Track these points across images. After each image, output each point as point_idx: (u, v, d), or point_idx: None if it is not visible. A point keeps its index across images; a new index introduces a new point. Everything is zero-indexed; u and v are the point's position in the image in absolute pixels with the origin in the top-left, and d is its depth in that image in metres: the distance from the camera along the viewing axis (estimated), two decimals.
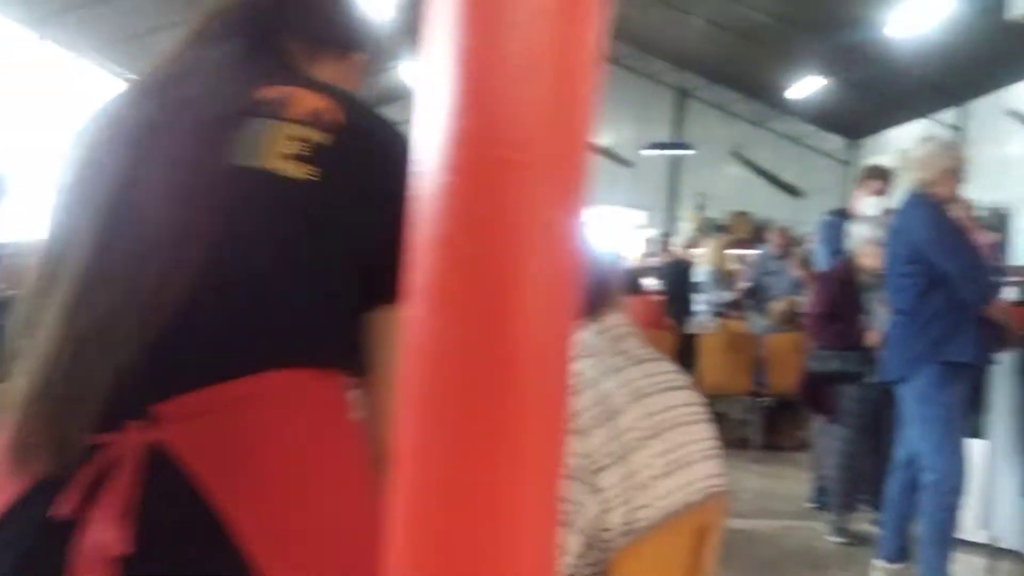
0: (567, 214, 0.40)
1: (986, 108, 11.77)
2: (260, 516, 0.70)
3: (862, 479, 4.21)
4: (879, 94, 12.81)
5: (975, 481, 3.84)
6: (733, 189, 15.58)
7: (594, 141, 0.44)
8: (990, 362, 3.38)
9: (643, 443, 1.28)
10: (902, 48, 10.65)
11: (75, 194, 0.81)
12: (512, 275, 0.37)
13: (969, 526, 3.94)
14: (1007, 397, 3.55)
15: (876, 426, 4.04)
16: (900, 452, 3.46)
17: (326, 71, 0.96)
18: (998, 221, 10.92)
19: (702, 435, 1.41)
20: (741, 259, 8.69)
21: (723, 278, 7.59)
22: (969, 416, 4.18)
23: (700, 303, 7.52)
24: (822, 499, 4.46)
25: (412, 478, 0.38)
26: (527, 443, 0.38)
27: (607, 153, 15.49)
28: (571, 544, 1.21)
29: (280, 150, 0.79)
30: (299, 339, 0.77)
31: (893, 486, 3.51)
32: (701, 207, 15.13)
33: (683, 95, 15.83)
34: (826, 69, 12.54)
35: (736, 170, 15.64)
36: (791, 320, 5.68)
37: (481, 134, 0.37)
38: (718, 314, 7.26)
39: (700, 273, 7.50)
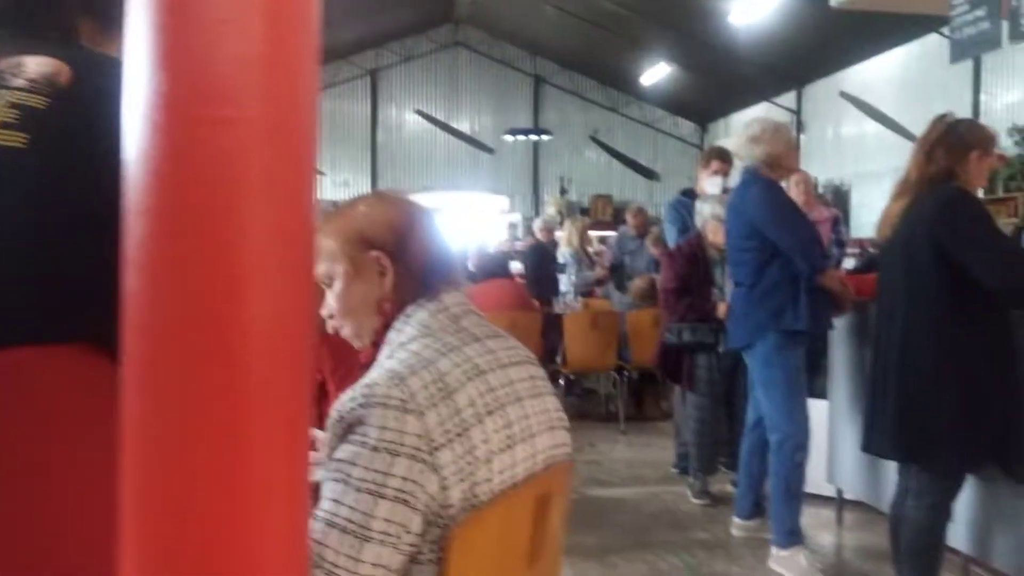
0: (293, 173, 0.38)
1: (822, 91, 12.53)
2: None
3: (720, 443, 4.42)
4: (725, 80, 13.41)
5: (820, 439, 4.09)
6: (593, 173, 15.96)
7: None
8: (826, 329, 3.57)
9: (481, 419, 1.28)
10: (745, 36, 11.17)
11: None
12: (234, 240, 0.35)
13: (817, 481, 4.20)
14: (845, 359, 3.77)
15: (729, 393, 4.25)
16: (750, 415, 3.64)
17: (115, 47, 0.92)
18: (836, 196, 11.68)
19: (545, 407, 1.42)
20: (603, 240, 8.91)
21: (584, 259, 7.76)
22: (811, 378, 4.46)
23: (564, 284, 7.65)
24: (684, 464, 4.65)
25: (138, 460, 0.36)
26: (257, 419, 0.36)
27: (468, 139, 15.55)
28: (411, 523, 1.21)
29: None
30: (46, 312, 0.74)
31: (745, 447, 3.69)
32: (563, 191, 15.41)
33: (540, 82, 16.05)
34: (675, 57, 13.01)
35: (594, 154, 16.02)
36: (650, 296, 5.87)
37: (183, 93, 0.34)
38: (582, 294, 7.42)
39: (562, 255, 7.63)
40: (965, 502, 2.79)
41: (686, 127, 16.37)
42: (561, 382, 6.19)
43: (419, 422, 1.21)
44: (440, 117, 15.55)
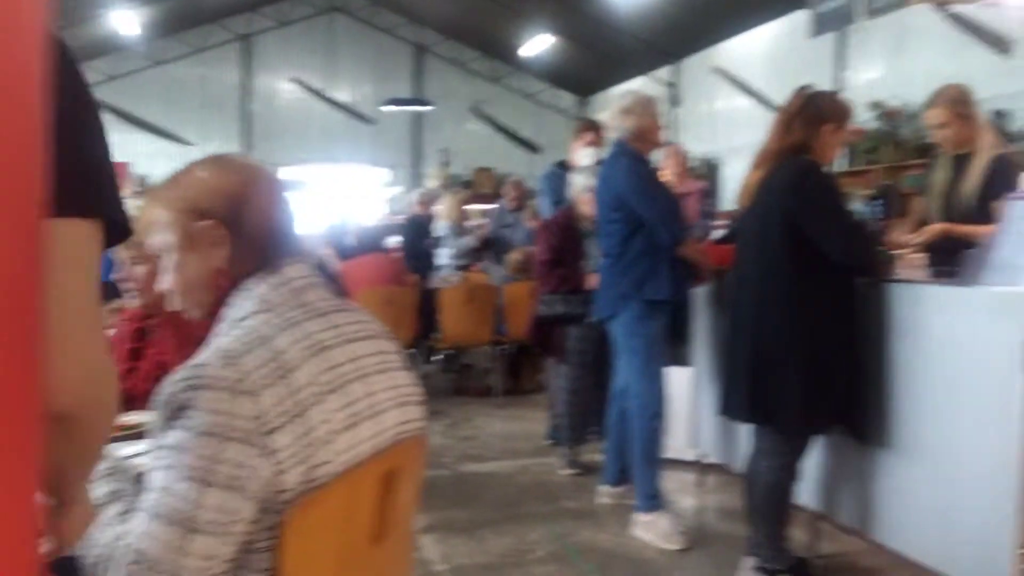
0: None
1: (697, 65, 12.84)
2: None
3: (590, 413, 4.50)
4: (605, 52, 13.56)
5: (683, 405, 4.22)
6: (475, 145, 15.89)
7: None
8: (686, 298, 3.67)
9: (322, 398, 1.23)
10: (624, 8, 11.31)
11: None
12: None
13: (680, 446, 4.34)
14: (706, 328, 3.89)
15: (600, 363, 4.32)
16: (615, 384, 3.72)
17: None
18: (709, 170, 12.05)
19: (395, 383, 1.39)
20: (483, 213, 8.89)
21: (462, 232, 7.73)
22: (674, 347, 4.59)
23: (442, 258, 7.61)
24: (556, 435, 4.72)
25: None
26: None
27: (347, 109, 15.19)
28: (243, 510, 1.16)
29: None
30: None
31: (611, 416, 3.77)
32: (445, 163, 15.31)
33: (421, 51, 15.82)
34: (557, 27, 13.06)
35: (477, 126, 15.97)
36: (526, 269, 5.90)
37: None
38: (459, 267, 7.39)
39: (440, 228, 7.57)
40: (813, 461, 2.93)
41: (567, 99, 16.51)
42: (439, 357, 6.17)
43: (253, 404, 1.16)
44: (317, 86, 15.11)
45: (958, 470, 2.39)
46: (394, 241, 7.98)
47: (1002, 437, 2.22)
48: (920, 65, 8.77)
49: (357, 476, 1.26)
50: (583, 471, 4.33)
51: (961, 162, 3.31)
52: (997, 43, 7.77)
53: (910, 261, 2.94)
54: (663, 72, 13.51)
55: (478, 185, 14.60)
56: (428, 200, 7.98)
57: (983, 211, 3.12)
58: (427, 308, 6.16)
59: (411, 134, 15.89)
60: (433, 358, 6.70)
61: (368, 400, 1.30)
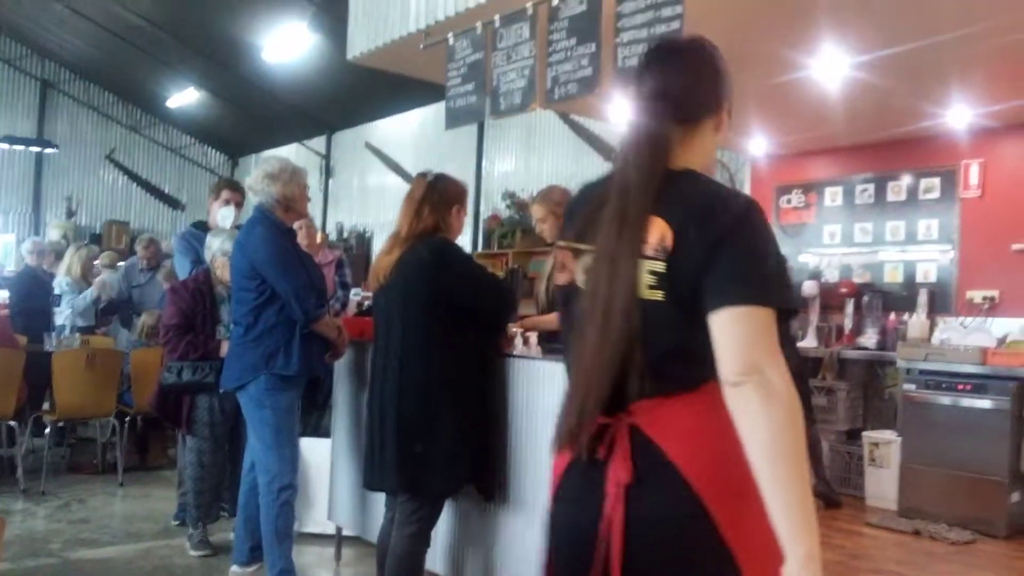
0: None
1: (351, 139, 13.15)
2: (698, 466, 1.36)
3: (221, 488, 4.28)
4: (258, 116, 13.34)
5: (322, 477, 4.20)
6: (109, 196, 14.62)
7: None
8: (320, 373, 3.67)
9: None
10: (279, 75, 11.25)
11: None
12: None
13: (319, 519, 4.29)
14: (346, 398, 3.93)
15: (233, 436, 4.15)
16: (247, 458, 3.60)
17: None
18: (360, 242, 12.30)
19: None
20: (114, 270, 8.16)
21: (87, 290, 7.04)
22: (314, 417, 4.56)
23: (61, 318, 6.84)
24: (182, 514, 4.41)
25: None
26: None
27: None
28: None
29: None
30: (702, 371, 1.36)
31: (242, 491, 3.63)
32: (71, 213, 13.86)
33: (49, 87, 14.27)
34: (206, 84, 12.60)
35: (112, 175, 14.71)
36: (158, 333, 5.50)
37: None
38: (81, 329, 6.70)
39: (59, 284, 6.82)
40: (441, 527, 3.08)
41: (216, 158, 15.89)
42: (47, 431, 5.47)
43: None
44: None
45: None
46: (1, 297, 7.02)
47: None
48: (546, 163, 9.87)
49: None
50: (214, 552, 4.09)
51: None
52: (607, 153, 9.01)
53: (528, 337, 3.26)
54: (317, 142, 13.62)
55: (109, 239, 13.39)
56: (42, 251, 7.13)
57: None
58: (38, 374, 5.46)
59: (31, 177, 14.14)
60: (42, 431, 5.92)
61: None
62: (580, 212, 1.53)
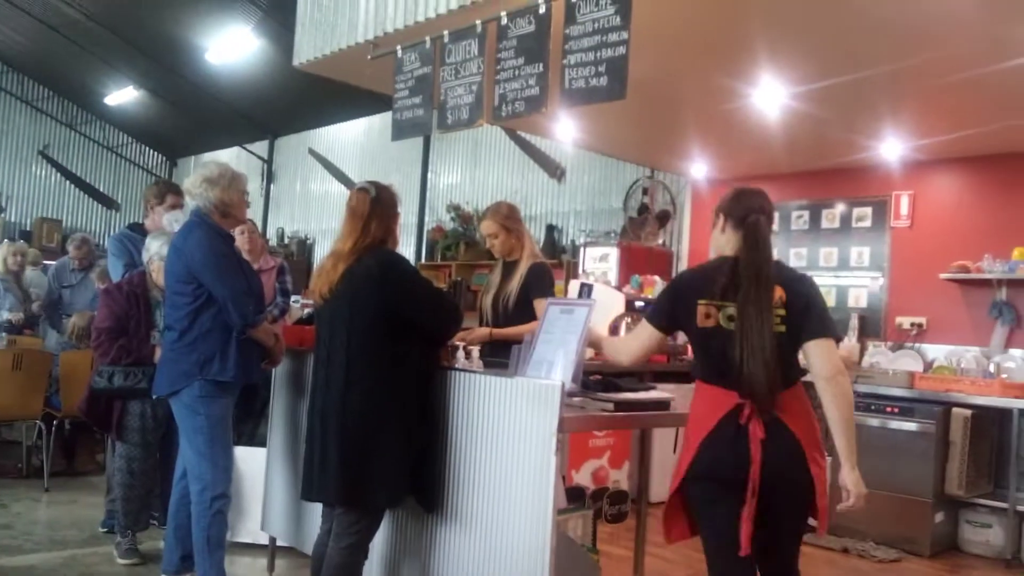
0: None
1: (294, 145, 13.01)
2: (799, 428, 2.47)
3: (152, 496, 4.19)
4: (199, 117, 13.11)
5: (256, 487, 4.13)
6: (40, 192, 14.19)
7: None
8: (256, 380, 3.60)
9: None
10: (222, 77, 11.10)
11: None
12: None
13: (252, 529, 4.23)
14: (283, 407, 3.89)
15: (166, 443, 4.06)
16: (179, 465, 3.53)
17: None
18: (302, 248, 12.17)
19: None
20: (43, 269, 7.92)
21: (15, 289, 6.82)
22: (249, 426, 4.49)
23: None
24: (111, 522, 4.30)
25: None
26: None
27: None
28: None
29: None
30: (797, 373, 2.53)
31: (172, 499, 3.56)
32: (0, 208, 13.41)
33: None
34: (145, 83, 12.35)
35: (45, 171, 14.28)
36: (89, 336, 5.36)
37: None
38: (8, 329, 6.49)
39: None
40: (378, 538, 3.07)
41: (154, 158, 15.55)
42: None
43: None
44: None
45: (502, 540, 2.68)
46: None
47: (539, 512, 2.55)
48: (491, 177, 9.93)
49: None
50: (143, 560, 3.99)
51: (509, 268, 3.85)
52: (552, 169, 9.11)
53: (470, 351, 3.27)
54: (259, 146, 13.44)
55: (39, 237, 12.98)
56: None
57: (522, 310, 3.65)
58: None
59: None
60: None
61: None
62: (712, 282, 2.48)
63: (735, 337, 2.39)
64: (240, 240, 5.63)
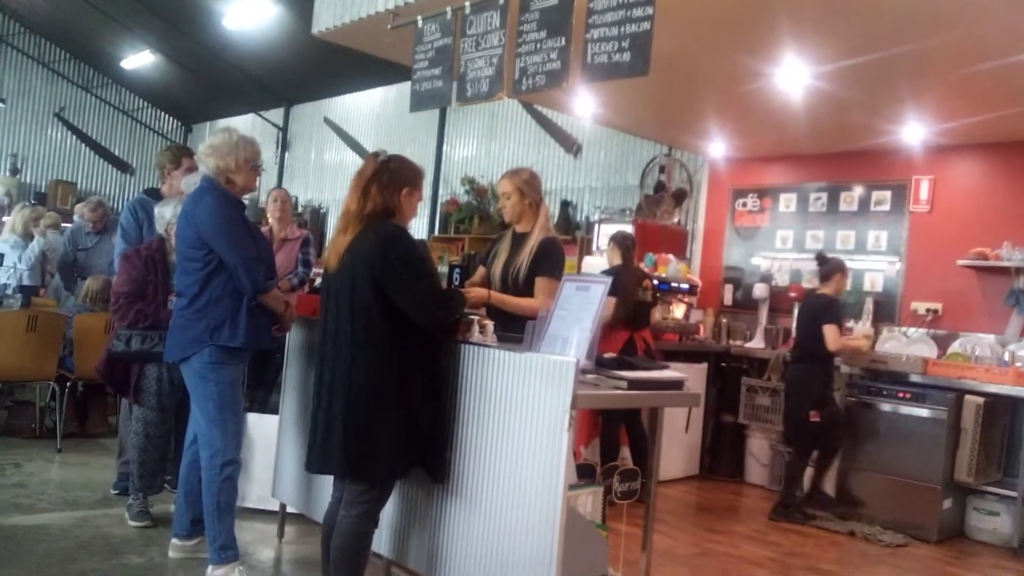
0: None
1: (309, 113, 12.97)
2: None
3: (166, 460, 4.22)
4: (214, 83, 13.07)
5: (268, 453, 4.16)
6: (56, 155, 14.22)
7: None
8: (267, 346, 3.59)
9: None
10: (239, 42, 11.04)
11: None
12: None
13: (263, 495, 4.26)
14: (295, 376, 3.90)
15: (181, 407, 4.08)
16: (189, 430, 3.55)
17: None
18: (315, 217, 12.16)
19: None
20: (59, 232, 7.95)
21: (31, 251, 6.85)
22: (262, 393, 4.51)
23: (4, 276, 6.66)
24: (125, 484, 4.34)
25: None
26: None
27: None
28: None
29: None
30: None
31: (183, 463, 3.58)
32: (15, 170, 13.45)
33: None
34: (162, 47, 12.31)
35: (60, 134, 14.30)
36: (105, 299, 5.39)
37: None
38: (23, 290, 6.53)
39: (4, 245, 6.63)
40: (388, 509, 3.08)
41: (170, 123, 15.55)
42: None
43: None
44: None
45: (512, 514, 2.69)
46: None
47: (549, 488, 2.55)
48: (507, 151, 9.87)
49: None
50: (154, 523, 4.03)
51: (520, 239, 3.75)
52: (568, 144, 9.05)
53: (485, 325, 3.25)
54: (274, 113, 13.41)
55: (54, 199, 13.03)
56: None
57: (529, 283, 3.58)
58: None
59: None
60: None
61: None
62: None
63: None
64: (272, 207, 5.64)
